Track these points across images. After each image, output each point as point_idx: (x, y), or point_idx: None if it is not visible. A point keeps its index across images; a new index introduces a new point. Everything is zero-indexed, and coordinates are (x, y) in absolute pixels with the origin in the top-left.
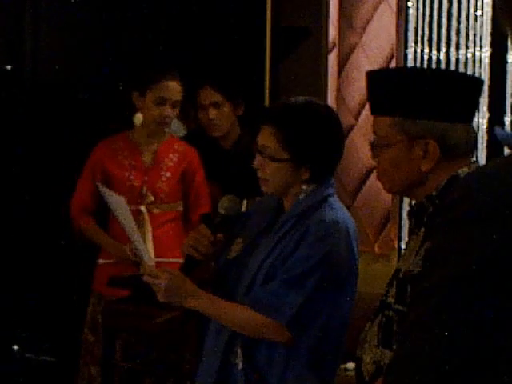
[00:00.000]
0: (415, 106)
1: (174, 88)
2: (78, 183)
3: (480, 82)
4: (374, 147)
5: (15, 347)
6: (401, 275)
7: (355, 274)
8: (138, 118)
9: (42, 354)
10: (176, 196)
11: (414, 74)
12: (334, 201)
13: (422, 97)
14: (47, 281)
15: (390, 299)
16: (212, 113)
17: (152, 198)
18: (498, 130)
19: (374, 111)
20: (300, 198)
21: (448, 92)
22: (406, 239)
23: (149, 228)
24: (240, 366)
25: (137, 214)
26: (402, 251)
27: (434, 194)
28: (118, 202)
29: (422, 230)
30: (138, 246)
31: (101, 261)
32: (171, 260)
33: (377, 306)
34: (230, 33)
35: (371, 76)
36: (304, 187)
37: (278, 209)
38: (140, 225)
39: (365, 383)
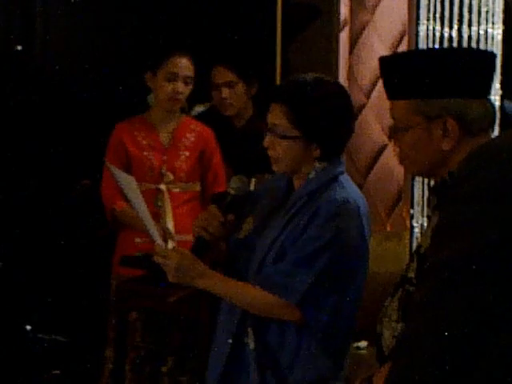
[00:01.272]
0: (429, 86)
1: (184, 64)
2: (103, 168)
3: (493, 55)
4: (394, 132)
5: (28, 327)
6: (422, 251)
7: (366, 252)
8: (152, 98)
9: (55, 333)
10: (194, 175)
11: (426, 54)
12: (345, 179)
13: (435, 76)
14: (60, 261)
15: (411, 274)
16: (225, 92)
17: (171, 177)
18: (507, 103)
19: (390, 96)
20: (310, 176)
21: (461, 68)
22: (419, 217)
23: (169, 206)
24: (251, 345)
25: (157, 193)
26: (420, 228)
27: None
28: (128, 182)
29: None
30: (149, 227)
31: (137, 240)
32: (190, 238)
33: (397, 282)
34: (242, 11)
35: (384, 61)
36: (316, 165)
37: (289, 188)
38: (161, 203)
39: (384, 358)
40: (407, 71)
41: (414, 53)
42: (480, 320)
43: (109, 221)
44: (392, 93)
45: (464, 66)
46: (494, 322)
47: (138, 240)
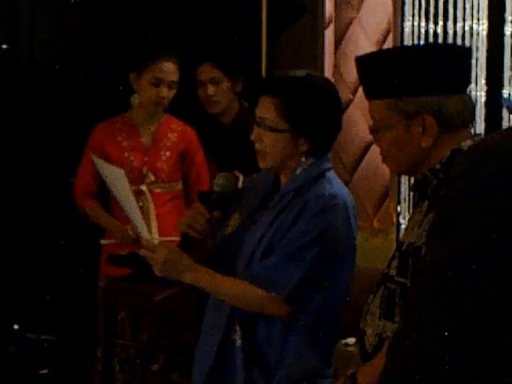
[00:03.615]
0: (406, 84)
1: (169, 68)
2: (79, 167)
3: (467, 50)
4: (375, 131)
5: (16, 327)
6: (403, 248)
7: (353, 247)
8: (135, 99)
9: (43, 333)
10: (176, 175)
11: (401, 53)
12: (332, 175)
13: (411, 74)
14: (48, 260)
15: (392, 271)
16: (211, 89)
17: (152, 178)
18: (506, 100)
19: (368, 95)
20: (297, 172)
21: (436, 65)
22: (406, 213)
23: (152, 207)
24: (239, 342)
25: (138, 194)
26: (406, 224)
27: (437, 167)
28: (115, 175)
29: (426, 202)
30: (136, 221)
31: (102, 241)
32: (174, 238)
33: (379, 279)
34: (227, 8)
35: (360, 61)
36: (303, 159)
37: (275, 184)
38: (142, 204)
39: (367, 355)
40: (383, 70)
41: (390, 52)
42: (481, 317)
43: (81, 217)
44: (370, 93)
45: (439, 63)
46: (495, 319)
47: (102, 242)
